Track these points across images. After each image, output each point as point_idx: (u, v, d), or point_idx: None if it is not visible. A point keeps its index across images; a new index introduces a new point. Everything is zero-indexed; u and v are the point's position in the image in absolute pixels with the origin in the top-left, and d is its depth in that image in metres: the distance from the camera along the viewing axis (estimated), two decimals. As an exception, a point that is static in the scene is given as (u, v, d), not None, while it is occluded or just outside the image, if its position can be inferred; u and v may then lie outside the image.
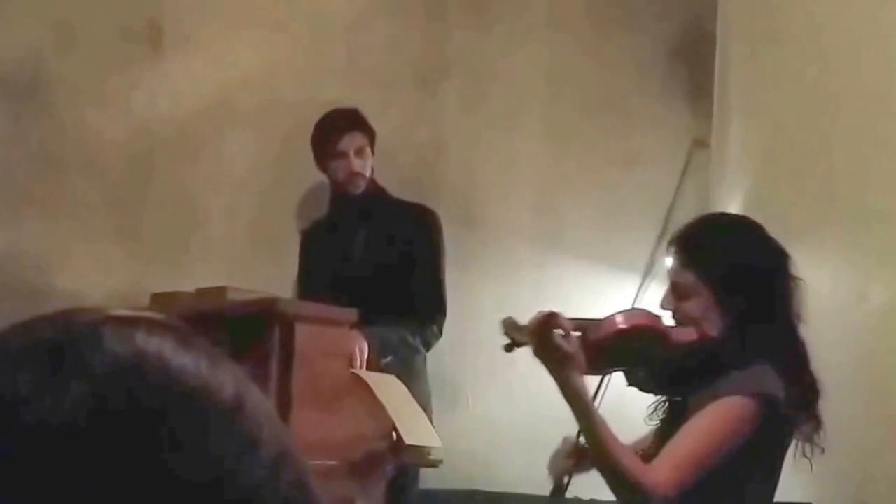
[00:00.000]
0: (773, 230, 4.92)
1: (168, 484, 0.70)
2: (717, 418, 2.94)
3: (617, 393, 3.35)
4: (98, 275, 5.08)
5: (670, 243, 3.16)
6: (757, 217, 4.99)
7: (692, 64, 5.81)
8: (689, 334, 3.08)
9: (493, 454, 5.15)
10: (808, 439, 3.07)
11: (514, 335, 3.06)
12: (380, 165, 5.24)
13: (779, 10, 5.28)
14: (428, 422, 3.90)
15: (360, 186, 4.85)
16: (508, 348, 3.10)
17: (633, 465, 2.93)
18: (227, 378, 0.75)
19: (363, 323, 4.00)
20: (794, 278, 3.11)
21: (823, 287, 4.60)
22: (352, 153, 4.83)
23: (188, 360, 0.75)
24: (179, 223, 5.27)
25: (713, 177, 5.66)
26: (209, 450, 0.72)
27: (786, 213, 4.93)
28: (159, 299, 4.13)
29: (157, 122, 5.26)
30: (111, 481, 0.69)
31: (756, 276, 3.05)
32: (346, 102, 5.25)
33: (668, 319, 3.14)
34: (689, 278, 3.04)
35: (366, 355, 4.09)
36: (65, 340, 0.74)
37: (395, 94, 5.55)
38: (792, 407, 2.97)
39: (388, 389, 3.86)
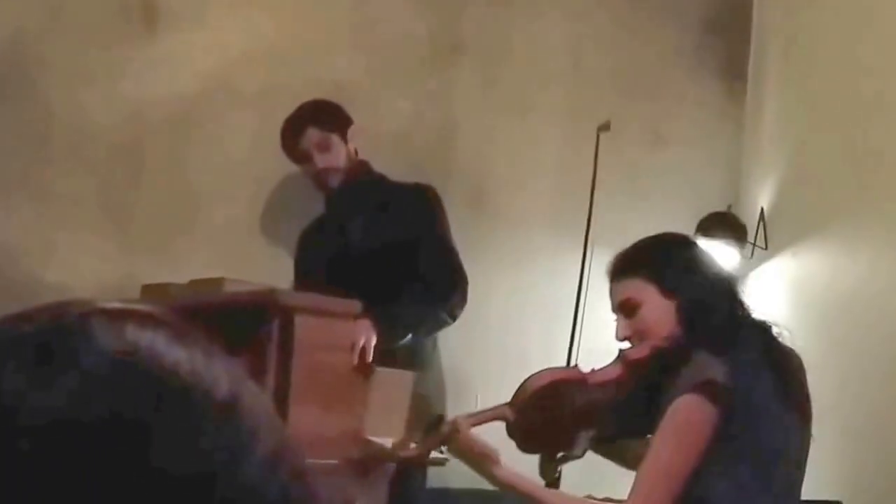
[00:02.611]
0: (809, 214, 5.00)
1: (159, 481, 0.71)
2: (674, 426, 3.12)
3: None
4: (87, 265, 5.08)
5: (609, 276, 3.45)
6: (792, 201, 5.12)
7: (726, 37, 5.82)
8: (611, 372, 3.39)
9: (501, 453, 5.13)
10: (800, 416, 3.25)
11: (405, 454, 3.47)
12: (389, 148, 5.27)
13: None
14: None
15: (335, 180, 4.92)
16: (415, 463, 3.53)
17: None
18: (222, 373, 0.77)
19: (376, 305, 4.09)
20: (732, 277, 3.53)
21: (861, 273, 4.65)
22: (314, 151, 4.90)
23: (182, 355, 0.76)
24: (173, 212, 5.26)
25: (746, 158, 5.71)
26: (202, 447, 0.73)
27: (822, 196, 5.03)
28: (151, 291, 4.20)
29: (150, 104, 5.26)
30: (100, 478, 0.70)
31: (688, 256, 3.40)
32: (353, 83, 5.28)
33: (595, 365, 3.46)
34: (632, 285, 3.35)
35: (372, 345, 4.10)
36: (53, 334, 0.75)
37: (405, 74, 5.55)
38: (745, 385, 3.13)
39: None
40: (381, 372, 4.02)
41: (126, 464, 0.71)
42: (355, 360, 3.97)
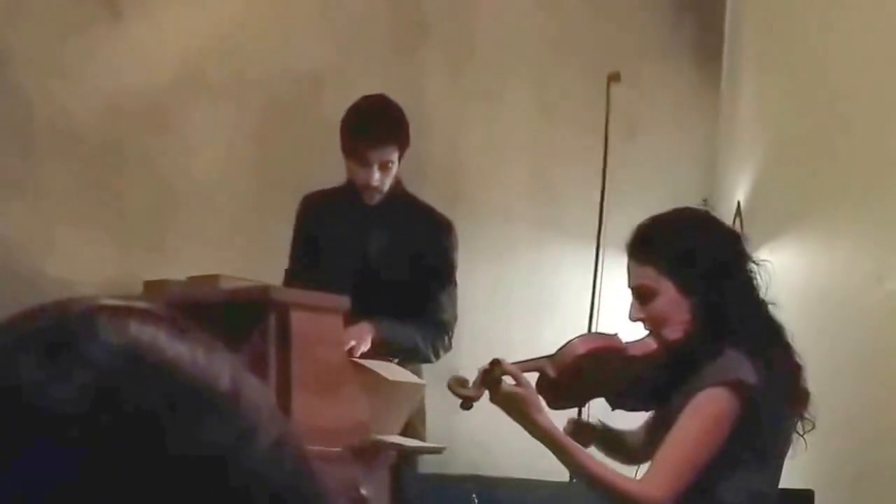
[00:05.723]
0: (787, 208, 5.19)
1: (168, 471, 0.78)
2: (699, 416, 3.37)
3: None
4: (86, 260, 5.33)
5: (627, 251, 3.58)
6: (768, 193, 5.31)
7: (700, 20, 6.01)
8: (648, 345, 3.56)
9: (494, 439, 5.43)
10: (799, 416, 3.49)
11: (462, 392, 3.50)
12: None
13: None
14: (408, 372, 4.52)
15: (374, 199, 5.08)
16: (464, 406, 3.53)
17: (625, 484, 3.42)
18: (223, 366, 0.83)
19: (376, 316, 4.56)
20: (752, 259, 3.55)
21: (838, 267, 4.94)
22: (376, 167, 5.01)
23: (183, 350, 0.83)
24: (158, 204, 5.51)
25: (722, 147, 5.94)
26: (208, 437, 0.80)
27: (799, 188, 5.27)
28: (152, 287, 4.54)
29: (123, 97, 5.50)
30: (115, 470, 0.77)
31: (711, 257, 3.47)
32: (320, 71, 5.56)
33: (627, 335, 3.63)
34: (649, 274, 3.48)
35: (361, 349, 4.52)
36: (62, 330, 0.81)
37: (370, 62, 5.76)
38: (769, 388, 3.38)
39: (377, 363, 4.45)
40: (398, 374, 4.49)
41: (136, 456, 0.78)
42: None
